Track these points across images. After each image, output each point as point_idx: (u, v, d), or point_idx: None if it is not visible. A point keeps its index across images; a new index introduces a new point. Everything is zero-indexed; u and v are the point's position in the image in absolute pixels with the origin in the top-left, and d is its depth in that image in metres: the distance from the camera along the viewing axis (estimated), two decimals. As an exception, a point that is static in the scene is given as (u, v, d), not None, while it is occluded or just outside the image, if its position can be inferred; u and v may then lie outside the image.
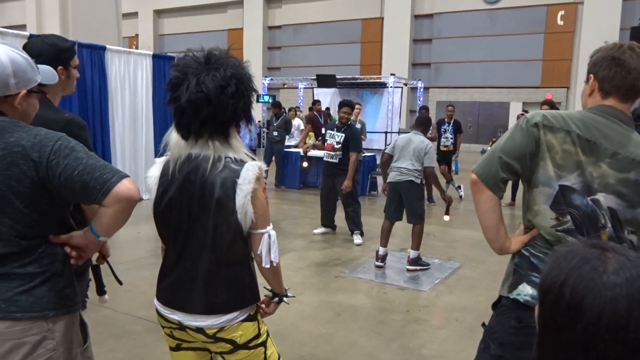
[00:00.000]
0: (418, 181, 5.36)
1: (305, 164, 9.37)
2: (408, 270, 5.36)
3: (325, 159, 6.62)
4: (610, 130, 1.64)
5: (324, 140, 6.68)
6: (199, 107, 1.65)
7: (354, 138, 6.41)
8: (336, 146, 6.44)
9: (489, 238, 1.84)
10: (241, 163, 1.73)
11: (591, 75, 1.72)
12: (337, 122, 6.62)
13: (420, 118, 5.85)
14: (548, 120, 1.69)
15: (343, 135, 6.41)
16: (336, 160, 6.45)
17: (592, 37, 18.22)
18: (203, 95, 1.64)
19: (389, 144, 6.20)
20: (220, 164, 1.71)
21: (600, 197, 1.64)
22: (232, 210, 1.69)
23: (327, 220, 6.88)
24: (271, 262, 1.79)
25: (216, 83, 1.65)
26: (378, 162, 10.30)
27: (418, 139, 5.40)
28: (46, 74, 1.90)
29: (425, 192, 9.25)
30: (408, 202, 5.41)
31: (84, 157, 1.49)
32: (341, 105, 6.64)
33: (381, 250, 5.52)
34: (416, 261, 5.41)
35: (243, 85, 1.72)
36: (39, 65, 1.70)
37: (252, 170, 1.71)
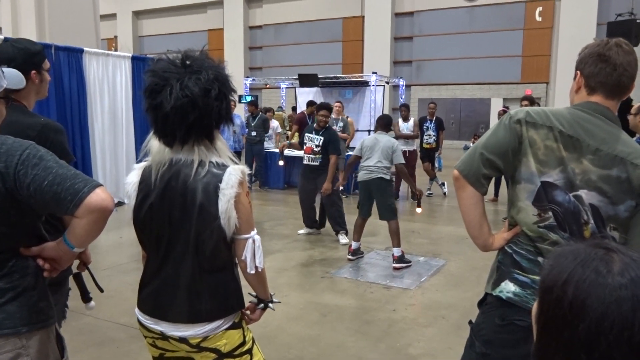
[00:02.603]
0: (387, 177, 5.53)
1: (281, 163, 9.46)
2: (395, 268, 5.39)
3: (305, 162, 6.62)
4: (594, 127, 1.64)
5: (302, 142, 6.67)
6: (185, 112, 1.61)
7: (332, 141, 6.42)
8: (315, 149, 6.46)
9: (472, 234, 1.84)
10: (223, 167, 1.69)
11: (578, 72, 1.71)
12: (315, 125, 6.61)
13: (383, 119, 5.96)
14: (531, 117, 1.68)
15: (322, 138, 6.42)
16: (317, 163, 6.47)
17: (570, 33, 18.48)
18: (188, 100, 1.60)
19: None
20: (202, 169, 1.67)
21: (582, 193, 1.64)
22: (215, 216, 1.65)
23: (310, 222, 6.88)
24: (256, 267, 1.75)
25: (200, 86, 1.61)
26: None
27: (384, 138, 5.61)
28: (13, 78, 1.83)
29: (393, 189, 9.40)
30: (378, 199, 5.55)
31: (53, 167, 1.42)
32: (319, 108, 6.66)
33: (353, 245, 5.76)
34: (401, 259, 5.45)
35: (225, 86, 1.69)
36: (5, 69, 1.63)
37: (234, 174, 1.68)
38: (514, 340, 1.72)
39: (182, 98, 1.59)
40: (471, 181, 1.75)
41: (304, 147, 6.58)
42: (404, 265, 5.43)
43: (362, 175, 5.64)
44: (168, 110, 1.60)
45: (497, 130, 1.74)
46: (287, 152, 9.07)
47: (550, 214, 1.68)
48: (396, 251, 5.45)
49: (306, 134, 6.61)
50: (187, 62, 1.65)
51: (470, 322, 1.93)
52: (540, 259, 1.70)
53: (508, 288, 1.75)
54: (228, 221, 1.66)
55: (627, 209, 1.62)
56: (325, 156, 6.38)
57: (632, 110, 4.04)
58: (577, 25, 18.37)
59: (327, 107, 6.65)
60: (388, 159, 5.49)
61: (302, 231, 6.87)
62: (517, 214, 1.75)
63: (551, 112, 1.69)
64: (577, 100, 1.73)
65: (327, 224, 6.80)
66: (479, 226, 1.81)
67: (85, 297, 2.21)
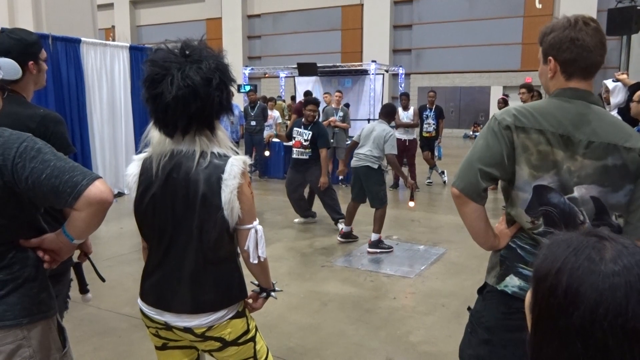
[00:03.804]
0: (375, 166, 5.61)
1: (267, 153, 9.55)
2: (368, 252, 5.56)
3: (295, 155, 6.67)
4: (581, 117, 1.62)
5: (291, 135, 6.71)
6: (186, 102, 1.60)
7: (321, 135, 6.50)
8: (304, 143, 6.51)
9: (479, 242, 1.82)
10: (225, 158, 1.69)
11: (550, 58, 1.68)
12: (303, 120, 6.64)
13: (385, 108, 6.09)
14: (519, 121, 1.64)
15: (310, 132, 6.48)
16: (306, 157, 6.54)
17: (570, 20, 18.33)
18: (190, 89, 1.59)
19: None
20: (204, 160, 1.67)
21: (582, 189, 1.62)
22: (218, 207, 1.66)
23: (301, 211, 6.97)
24: (259, 257, 1.77)
25: (202, 75, 1.60)
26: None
27: (380, 128, 5.69)
28: (8, 68, 1.82)
29: (393, 178, 9.43)
30: (367, 186, 5.68)
31: (51, 159, 1.41)
32: (306, 103, 6.73)
33: (345, 228, 5.99)
34: (376, 244, 5.60)
35: (225, 76, 1.68)
36: (0, 60, 1.62)
37: (237, 165, 1.68)
38: (518, 325, 1.72)
39: (183, 88, 1.58)
40: (472, 197, 1.71)
41: (293, 142, 6.63)
42: (378, 250, 5.56)
43: (352, 162, 5.82)
44: (169, 100, 1.59)
45: (488, 140, 1.68)
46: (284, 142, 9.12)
47: (541, 221, 1.67)
48: (373, 236, 5.61)
49: (295, 129, 6.66)
50: (187, 52, 1.64)
51: (469, 309, 1.94)
52: None
53: (513, 282, 1.75)
54: (231, 212, 1.67)
55: (627, 194, 1.62)
56: (314, 150, 6.47)
57: (635, 98, 4.03)
58: (577, 12, 18.20)
59: (315, 102, 6.74)
60: (379, 148, 5.58)
61: (297, 220, 6.96)
62: (516, 216, 1.75)
63: (538, 112, 1.66)
64: (554, 87, 1.71)
65: (323, 213, 6.84)
66: (484, 234, 1.79)
67: (83, 289, 2.22)
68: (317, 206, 6.85)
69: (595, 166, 1.60)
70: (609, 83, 4.39)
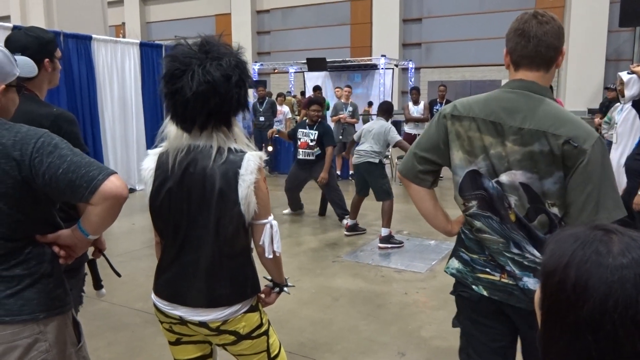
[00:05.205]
0: (376, 161, 5.73)
1: (270, 148, 9.59)
2: (379, 248, 5.57)
3: (300, 156, 6.65)
4: (516, 106, 1.67)
5: (295, 136, 6.71)
6: (206, 98, 1.61)
7: (326, 133, 6.55)
8: (311, 143, 6.54)
9: (430, 224, 1.99)
10: (241, 153, 1.71)
11: (505, 50, 1.77)
12: (307, 121, 6.64)
13: (383, 105, 6.24)
14: (456, 110, 1.77)
15: (316, 132, 6.51)
16: (313, 157, 6.56)
17: (582, 12, 18.13)
18: (210, 85, 1.60)
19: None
20: (221, 155, 1.68)
21: (511, 174, 1.67)
22: (235, 202, 1.67)
23: (294, 206, 7.11)
24: (274, 252, 1.79)
25: (222, 72, 1.62)
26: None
27: (379, 124, 5.86)
28: (25, 66, 1.84)
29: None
30: (370, 181, 5.78)
31: (68, 155, 1.43)
32: (310, 103, 6.76)
33: (349, 222, 6.13)
34: (387, 239, 5.60)
35: (244, 74, 1.70)
36: (17, 57, 1.64)
37: (253, 160, 1.69)
38: (466, 312, 1.86)
39: (204, 84, 1.60)
40: (411, 179, 1.88)
41: (299, 142, 6.64)
42: (389, 245, 5.58)
43: (354, 160, 5.96)
44: (189, 95, 1.60)
45: (429, 129, 1.86)
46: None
47: (473, 203, 1.75)
48: (383, 231, 5.62)
49: (299, 130, 6.68)
50: (206, 48, 1.65)
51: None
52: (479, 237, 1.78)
53: (453, 265, 1.88)
54: (248, 207, 1.68)
55: (557, 181, 1.62)
56: (321, 149, 6.51)
57: None
58: (590, 4, 18.03)
59: (318, 102, 6.78)
60: (379, 143, 5.71)
61: (286, 211, 7.10)
62: (455, 199, 1.85)
63: (475, 101, 1.76)
64: (509, 77, 1.78)
65: (332, 208, 6.87)
66: (433, 217, 1.94)
67: (97, 285, 2.24)
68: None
69: (523, 152, 1.64)
70: (624, 75, 4.31)
